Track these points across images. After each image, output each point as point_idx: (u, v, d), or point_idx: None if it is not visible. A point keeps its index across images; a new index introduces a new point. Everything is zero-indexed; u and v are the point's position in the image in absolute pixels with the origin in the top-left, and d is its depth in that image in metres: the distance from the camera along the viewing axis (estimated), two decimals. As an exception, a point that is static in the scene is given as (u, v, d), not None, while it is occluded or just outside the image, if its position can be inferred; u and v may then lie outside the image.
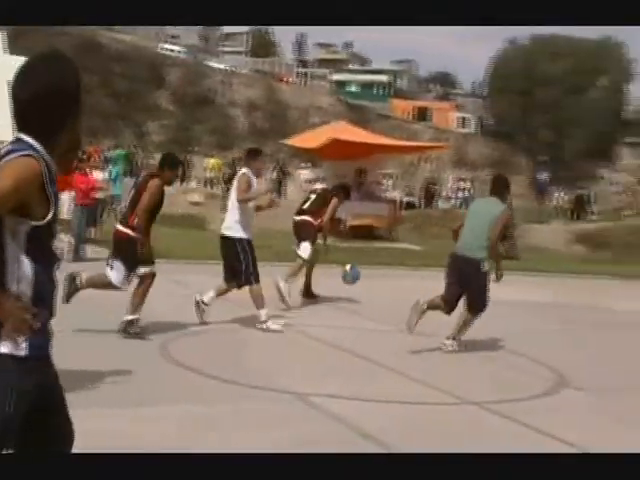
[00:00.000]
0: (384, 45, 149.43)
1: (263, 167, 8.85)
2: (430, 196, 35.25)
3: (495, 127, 70.00)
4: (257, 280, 8.18)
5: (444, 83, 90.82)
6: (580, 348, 8.59)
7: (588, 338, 9.31)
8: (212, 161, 32.05)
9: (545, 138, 62.47)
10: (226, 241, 8.34)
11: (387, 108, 73.32)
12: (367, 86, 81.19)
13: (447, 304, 7.73)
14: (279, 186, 30.55)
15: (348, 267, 10.20)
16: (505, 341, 8.47)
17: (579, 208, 33.89)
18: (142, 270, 7.30)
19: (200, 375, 6.14)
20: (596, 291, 13.72)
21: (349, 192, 11.40)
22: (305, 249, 10.10)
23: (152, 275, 7.37)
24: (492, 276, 7.89)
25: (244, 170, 8.55)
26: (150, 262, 7.37)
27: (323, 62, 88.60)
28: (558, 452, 4.71)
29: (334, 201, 10.53)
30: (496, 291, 12.62)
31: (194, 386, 5.82)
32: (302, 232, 10.36)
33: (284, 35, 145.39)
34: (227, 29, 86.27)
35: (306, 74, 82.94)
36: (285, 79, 76.09)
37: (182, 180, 29.95)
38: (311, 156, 29.65)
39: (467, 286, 7.65)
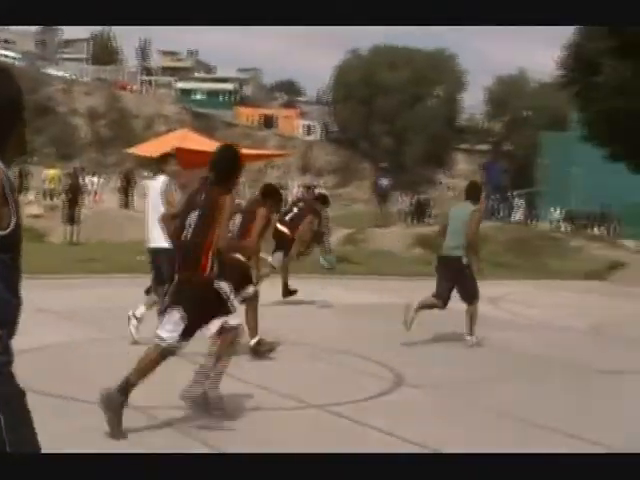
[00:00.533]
0: (229, 53, 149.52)
1: (176, 170, 8.68)
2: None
3: (339, 134, 71.74)
4: None
5: (289, 91, 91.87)
6: (419, 347, 8.86)
7: (427, 337, 9.64)
8: (52, 172, 30.86)
9: (386, 145, 64.68)
10: (153, 252, 8.21)
11: (233, 116, 73.42)
12: (213, 94, 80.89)
13: (440, 299, 8.91)
14: (125, 196, 29.83)
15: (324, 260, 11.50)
16: (345, 343, 8.63)
17: (419, 212, 35.30)
18: (250, 290, 7.59)
19: (37, 393, 5.93)
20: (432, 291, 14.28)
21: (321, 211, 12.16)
22: (276, 258, 11.20)
23: (257, 294, 7.79)
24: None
25: (164, 178, 8.27)
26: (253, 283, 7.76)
27: (167, 70, 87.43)
28: (403, 452, 4.83)
29: (309, 217, 11.42)
30: (340, 295, 13.03)
31: (31, 404, 5.60)
32: (279, 242, 11.45)
33: (127, 42, 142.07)
34: (67, 35, 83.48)
35: (150, 82, 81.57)
36: (128, 87, 74.48)
37: (19, 191, 28.67)
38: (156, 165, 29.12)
39: (456, 281, 8.81)
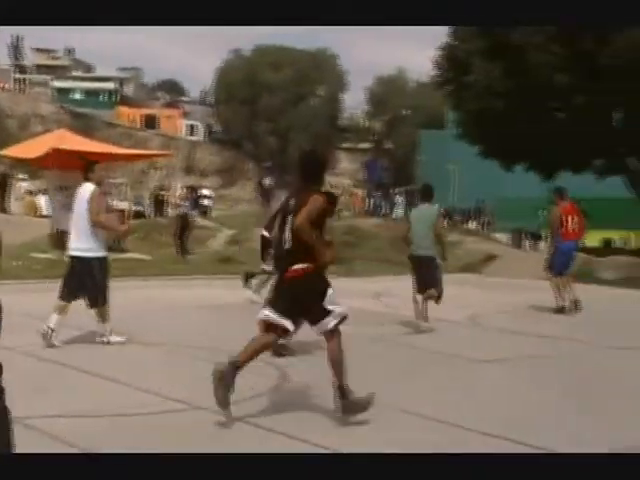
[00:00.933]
0: (108, 51, 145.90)
1: (104, 177, 8.74)
2: (159, 204, 35.05)
3: (223, 135, 71.38)
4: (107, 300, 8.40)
5: (171, 91, 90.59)
6: (302, 343, 8.98)
7: (309, 333, 9.79)
8: None
9: (270, 144, 64.88)
10: (81, 261, 8.25)
11: (113, 116, 71.83)
12: (92, 93, 78.88)
13: (420, 290, 10.16)
14: (1, 199, 28.73)
15: None
16: (228, 342, 8.61)
17: (304, 211, 35.58)
18: None
19: None
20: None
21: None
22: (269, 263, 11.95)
23: None
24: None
25: (90, 186, 8.29)
26: None
27: (43, 68, 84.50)
28: (295, 452, 4.84)
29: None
30: (222, 295, 13.05)
31: None
32: (262, 246, 12.05)
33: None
34: None
35: (24, 80, 78.65)
36: (1, 85, 71.60)
37: None
38: (32, 167, 28.25)
39: (426, 276, 10.09)
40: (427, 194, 10.37)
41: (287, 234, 5.49)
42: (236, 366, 5.55)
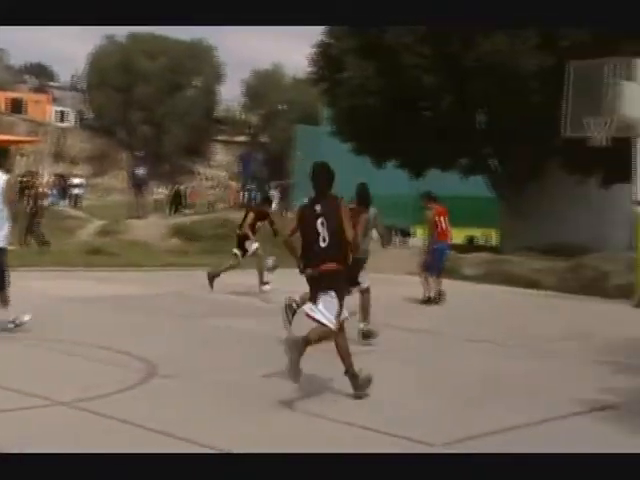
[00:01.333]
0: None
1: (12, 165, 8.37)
2: (24, 192, 33.74)
3: (94, 122, 69.42)
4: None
5: (40, 75, 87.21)
6: (172, 337, 8.95)
7: (180, 327, 9.74)
8: None
9: (144, 133, 63.64)
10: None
11: (-23, 98, 68.49)
12: (-49, 74, 74.88)
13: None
14: None
15: None
16: (93, 336, 8.49)
17: (176, 202, 35.31)
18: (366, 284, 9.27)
19: None
20: (189, 281, 14.44)
21: (269, 203, 14.89)
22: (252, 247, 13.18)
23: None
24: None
25: (3, 175, 8.06)
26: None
27: None
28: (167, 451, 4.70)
29: (250, 214, 13.32)
30: (90, 287, 12.80)
31: None
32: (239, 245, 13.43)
33: None
34: None
35: None
36: None
37: None
38: None
39: (356, 271, 9.54)
40: (363, 194, 10.45)
41: (324, 234, 6.34)
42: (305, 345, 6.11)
